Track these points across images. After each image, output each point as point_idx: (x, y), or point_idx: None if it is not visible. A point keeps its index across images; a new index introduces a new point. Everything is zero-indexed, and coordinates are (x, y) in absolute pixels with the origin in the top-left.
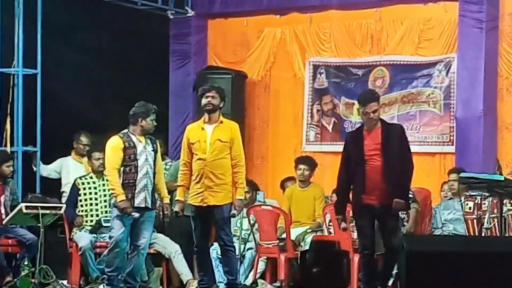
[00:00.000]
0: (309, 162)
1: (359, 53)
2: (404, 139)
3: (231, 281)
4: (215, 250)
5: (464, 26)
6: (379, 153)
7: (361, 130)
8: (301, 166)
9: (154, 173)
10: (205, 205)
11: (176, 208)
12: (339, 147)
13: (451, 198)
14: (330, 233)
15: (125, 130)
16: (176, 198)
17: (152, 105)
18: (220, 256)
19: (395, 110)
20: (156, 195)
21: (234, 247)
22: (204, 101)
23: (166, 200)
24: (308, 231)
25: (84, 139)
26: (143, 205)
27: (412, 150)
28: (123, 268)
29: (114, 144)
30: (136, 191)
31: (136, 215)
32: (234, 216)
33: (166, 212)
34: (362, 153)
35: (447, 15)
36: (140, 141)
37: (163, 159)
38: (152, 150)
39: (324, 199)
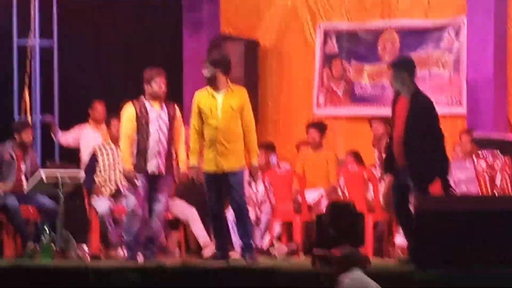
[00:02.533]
0: (319, 126)
1: (369, 18)
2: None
3: (246, 244)
4: (231, 214)
5: None
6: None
7: None
8: (312, 131)
9: (170, 140)
10: (218, 170)
11: (192, 173)
12: (349, 111)
13: (463, 159)
14: (344, 195)
15: (141, 97)
16: (190, 165)
17: (157, 69)
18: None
19: None
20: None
21: (248, 210)
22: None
23: (181, 166)
24: (323, 193)
25: (99, 107)
26: (155, 171)
27: None
28: (142, 233)
29: (127, 112)
30: (148, 157)
31: (138, 182)
32: (250, 183)
33: (176, 179)
34: None
35: None
36: (153, 107)
37: None
38: (166, 117)
39: (337, 162)
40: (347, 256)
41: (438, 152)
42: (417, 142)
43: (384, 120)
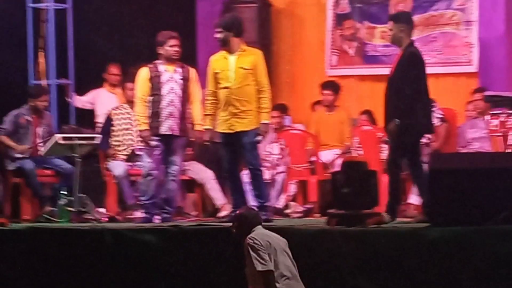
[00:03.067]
0: (332, 86)
1: None
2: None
3: (262, 204)
4: (246, 175)
5: None
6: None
7: None
8: (325, 91)
9: (183, 102)
10: (231, 131)
11: (206, 136)
12: (361, 71)
13: (476, 117)
14: (358, 154)
15: (157, 60)
16: (205, 127)
17: (170, 32)
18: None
19: (417, 33)
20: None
21: (262, 171)
22: (215, 35)
23: (196, 128)
24: (338, 153)
25: (114, 70)
26: (169, 133)
27: (435, 72)
28: (158, 195)
29: (141, 75)
30: (161, 119)
31: (154, 143)
32: (259, 142)
33: (192, 139)
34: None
35: None
36: (167, 70)
37: None
38: (180, 78)
39: (350, 122)
40: (248, 217)
41: (415, 110)
42: (394, 95)
43: None
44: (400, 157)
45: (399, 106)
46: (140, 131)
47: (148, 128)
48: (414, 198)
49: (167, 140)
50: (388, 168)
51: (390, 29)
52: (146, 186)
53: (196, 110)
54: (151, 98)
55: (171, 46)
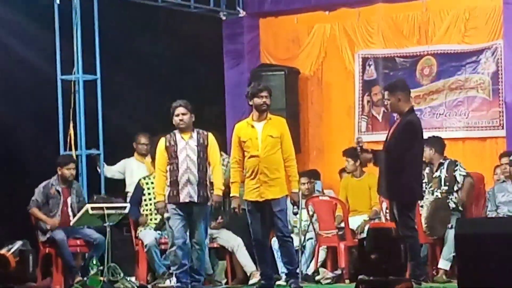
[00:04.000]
0: (354, 153)
1: (406, 44)
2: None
3: (291, 271)
4: (276, 242)
5: (509, 13)
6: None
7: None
8: (348, 159)
9: (201, 168)
10: (262, 199)
11: (234, 204)
12: None
13: (504, 181)
14: (387, 220)
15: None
16: (231, 195)
17: (177, 101)
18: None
19: (443, 97)
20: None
21: (291, 237)
22: (258, 101)
23: (216, 192)
24: (366, 219)
25: (143, 140)
26: (187, 200)
27: (462, 136)
28: (187, 263)
29: (159, 145)
30: (180, 187)
31: (167, 215)
32: (296, 213)
33: (210, 204)
34: None
35: (491, 3)
36: (183, 138)
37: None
38: (196, 145)
39: None
40: None
41: (399, 175)
42: (388, 161)
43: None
44: (404, 220)
45: (391, 171)
46: (156, 202)
47: (162, 199)
48: (443, 263)
49: (187, 208)
50: (402, 234)
51: (388, 99)
52: (173, 256)
53: (216, 175)
54: (169, 167)
55: (176, 116)
